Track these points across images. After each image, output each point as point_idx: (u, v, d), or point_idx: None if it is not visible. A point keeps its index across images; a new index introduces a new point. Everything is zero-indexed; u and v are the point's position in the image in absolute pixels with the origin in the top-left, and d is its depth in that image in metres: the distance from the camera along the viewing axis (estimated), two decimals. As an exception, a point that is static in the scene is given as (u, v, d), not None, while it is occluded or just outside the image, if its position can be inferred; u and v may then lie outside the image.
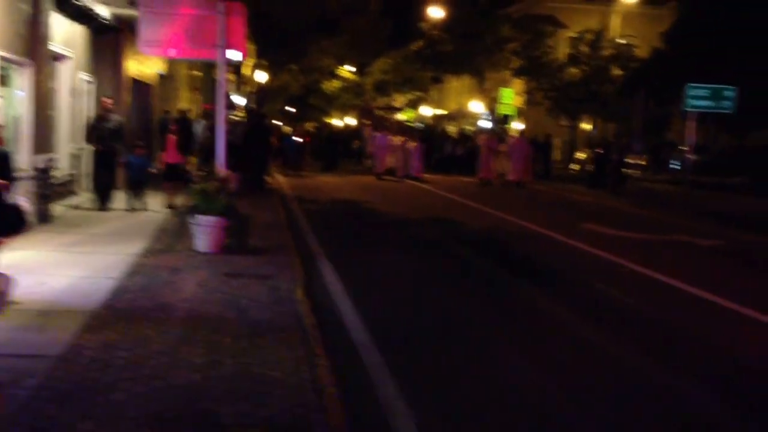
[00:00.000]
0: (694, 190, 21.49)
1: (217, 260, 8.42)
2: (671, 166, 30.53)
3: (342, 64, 37.08)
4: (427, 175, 24.98)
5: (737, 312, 7.56)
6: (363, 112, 53.50)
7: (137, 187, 12.23)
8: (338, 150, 31.45)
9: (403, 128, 33.06)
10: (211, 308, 6.40)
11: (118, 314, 6.04)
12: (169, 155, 13.04)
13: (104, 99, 12.77)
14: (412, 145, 24.56)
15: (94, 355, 5.03)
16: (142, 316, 6.03)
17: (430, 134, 34.25)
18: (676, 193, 22.50)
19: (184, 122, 19.85)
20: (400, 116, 39.14)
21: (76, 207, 12.29)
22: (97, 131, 12.24)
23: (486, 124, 39.83)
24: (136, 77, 17.15)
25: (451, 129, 42.00)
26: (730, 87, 20.76)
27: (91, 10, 13.08)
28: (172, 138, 13.16)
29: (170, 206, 12.32)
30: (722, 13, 24.76)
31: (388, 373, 5.26)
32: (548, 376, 5.45)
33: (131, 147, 12.77)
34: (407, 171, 24.56)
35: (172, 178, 12.73)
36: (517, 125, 34.35)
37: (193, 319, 6.03)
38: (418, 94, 47.11)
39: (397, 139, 25.77)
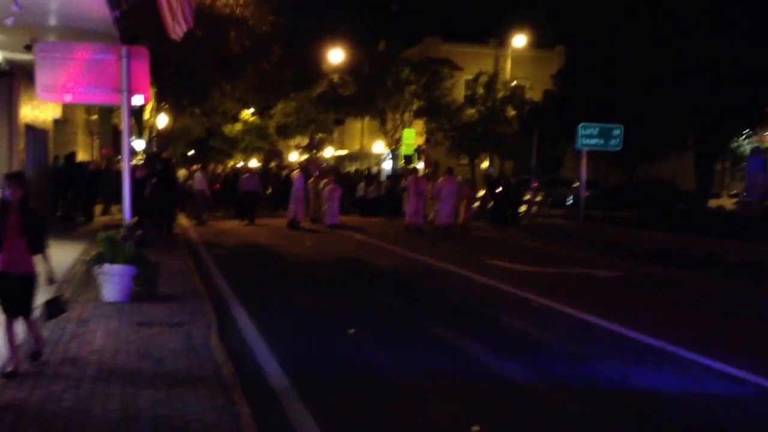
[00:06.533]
0: (587, 223, 22.50)
1: (126, 309, 8.19)
2: (568, 202, 31.96)
3: (246, 107, 36.87)
4: (342, 218, 23.76)
5: (646, 344, 7.99)
6: (270, 154, 53.22)
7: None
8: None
9: (324, 170, 31.16)
10: (124, 360, 6.22)
11: (24, 371, 5.77)
12: (7, 256, 5.76)
13: None
14: (329, 187, 23.02)
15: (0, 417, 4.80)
16: (50, 372, 5.79)
17: (342, 175, 33.77)
18: (571, 227, 23.50)
19: (70, 172, 17.43)
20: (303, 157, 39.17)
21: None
22: None
23: (387, 164, 40.42)
24: (30, 123, 16.53)
25: (350, 169, 42.17)
26: (618, 126, 22.02)
27: (-17, 54, 12.60)
28: (14, 221, 5.76)
29: (8, 374, 5.69)
30: (606, 55, 26.41)
31: (310, 420, 5.25)
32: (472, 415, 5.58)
33: None
34: (323, 216, 23.13)
35: (12, 309, 5.98)
36: (419, 165, 34.93)
37: (106, 372, 5.84)
38: (322, 135, 47.42)
39: (322, 183, 24.13)
